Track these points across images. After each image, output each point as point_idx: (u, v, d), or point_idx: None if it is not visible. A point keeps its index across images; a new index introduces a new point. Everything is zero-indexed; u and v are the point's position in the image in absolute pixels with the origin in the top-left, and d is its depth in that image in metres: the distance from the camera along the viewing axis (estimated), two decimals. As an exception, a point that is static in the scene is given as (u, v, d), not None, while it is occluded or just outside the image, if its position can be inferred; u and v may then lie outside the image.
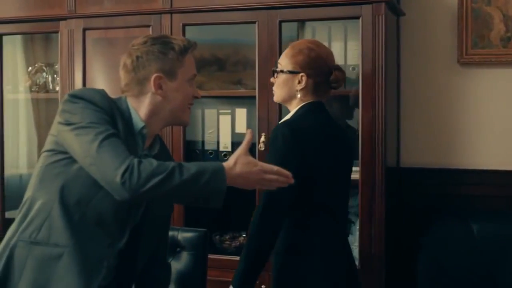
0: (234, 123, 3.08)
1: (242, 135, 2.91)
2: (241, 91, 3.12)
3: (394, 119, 3.01)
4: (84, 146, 1.65)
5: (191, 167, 1.63)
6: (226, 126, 3.08)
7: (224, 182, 1.64)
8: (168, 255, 2.20)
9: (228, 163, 1.67)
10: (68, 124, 1.70)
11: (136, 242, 1.86)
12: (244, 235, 3.03)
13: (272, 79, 2.26)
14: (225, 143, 3.08)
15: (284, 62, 2.21)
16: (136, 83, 1.81)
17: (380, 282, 2.71)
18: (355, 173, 2.74)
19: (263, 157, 2.74)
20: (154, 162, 1.62)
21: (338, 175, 2.21)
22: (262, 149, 2.76)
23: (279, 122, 2.21)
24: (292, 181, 1.72)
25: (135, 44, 1.82)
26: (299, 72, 2.17)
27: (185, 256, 2.35)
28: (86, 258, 1.71)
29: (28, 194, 1.80)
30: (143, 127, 1.81)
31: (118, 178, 1.58)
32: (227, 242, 3.08)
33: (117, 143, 1.65)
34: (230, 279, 2.12)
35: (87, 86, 3.09)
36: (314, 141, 2.13)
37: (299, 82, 2.17)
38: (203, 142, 3.12)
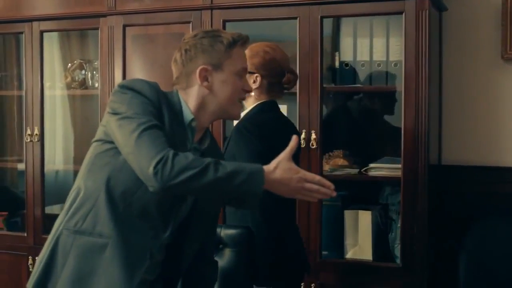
0: (274, 119, 3.04)
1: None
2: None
3: (436, 116, 2.97)
4: (125, 136, 1.66)
5: (228, 166, 1.61)
6: (266, 123, 3.05)
7: (260, 185, 1.61)
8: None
9: (268, 167, 1.64)
10: (115, 113, 1.71)
11: (183, 237, 1.85)
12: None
13: None
14: (265, 140, 3.05)
15: None
16: (185, 76, 1.82)
17: (423, 281, 2.67)
18: (397, 170, 2.71)
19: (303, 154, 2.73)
20: (190, 156, 1.61)
21: None
22: (303, 145, 2.74)
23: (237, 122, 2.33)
24: (335, 194, 1.67)
25: (186, 38, 1.83)
26: (254, 73, 2.36)
27: (227, 253, 2.33)
28: (130, 249, 1.71)
29: (76, 183, 1.80)
30: (192, 120, 1.80)
31: (151, 168, 1.59)
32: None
33: (158, 134, 1.65)
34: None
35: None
36: (269, 136, 2.27)
37: (254, 82, 2.37)
38: (242, 138, 3.10)
